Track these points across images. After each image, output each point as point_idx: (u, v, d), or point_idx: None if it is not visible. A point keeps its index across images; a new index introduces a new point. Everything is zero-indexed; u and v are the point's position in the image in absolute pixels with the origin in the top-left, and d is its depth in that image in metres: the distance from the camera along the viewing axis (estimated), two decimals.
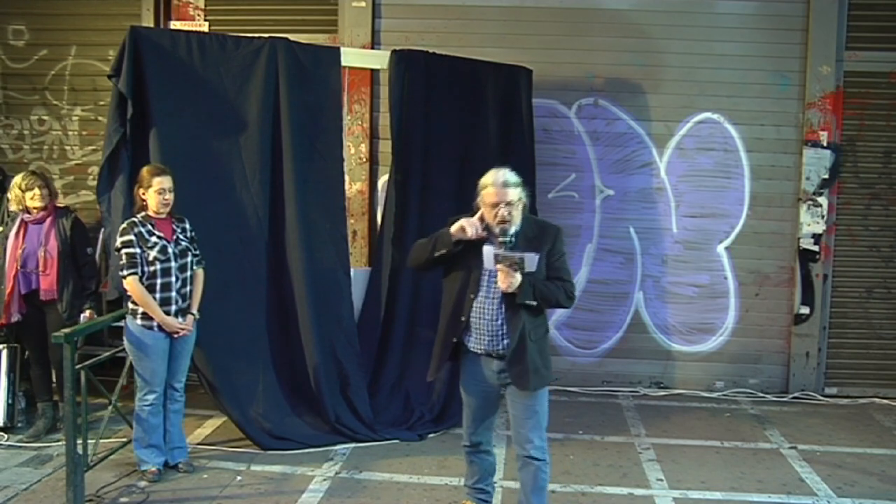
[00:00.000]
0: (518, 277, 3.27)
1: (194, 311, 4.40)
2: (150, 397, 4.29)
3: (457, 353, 3.59)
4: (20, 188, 4.84)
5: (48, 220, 4.88)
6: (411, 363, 5.48)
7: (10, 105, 6.78)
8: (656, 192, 6.49)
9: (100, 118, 6.50)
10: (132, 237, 4.20)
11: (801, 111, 6.37)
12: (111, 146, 4.62)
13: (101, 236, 5.24)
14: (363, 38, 6.38)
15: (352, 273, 5.34)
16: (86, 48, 6.63)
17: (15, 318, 4.85)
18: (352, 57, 5.45)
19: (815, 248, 6.38)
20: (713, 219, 6.48)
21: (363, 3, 6.39)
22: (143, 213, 4.29)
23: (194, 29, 6.02)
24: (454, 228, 3.38)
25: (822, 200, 6.36)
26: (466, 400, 3.66)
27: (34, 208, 4.84)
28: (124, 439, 4.66)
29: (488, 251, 3.29)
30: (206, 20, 6.48)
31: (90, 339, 5.45)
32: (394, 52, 5.44)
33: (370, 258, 6.33)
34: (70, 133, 6.75)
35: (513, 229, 3.37)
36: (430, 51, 5.61)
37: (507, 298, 3.35)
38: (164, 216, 4.31)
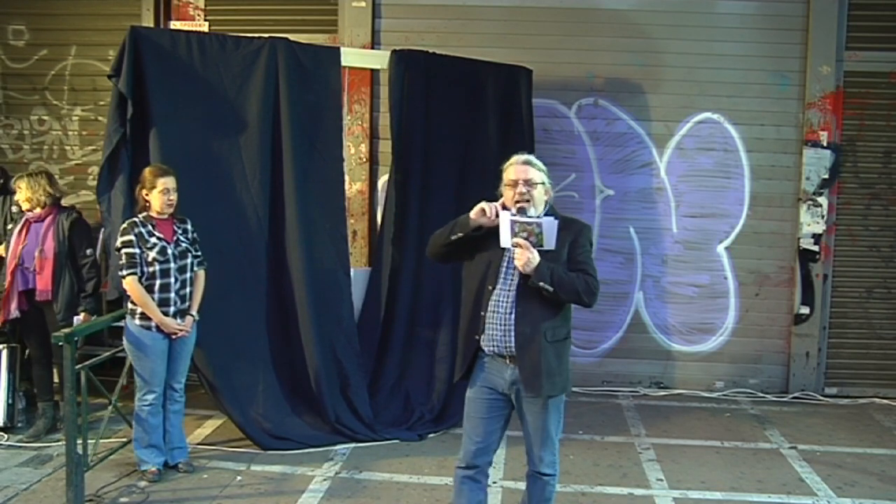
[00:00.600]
0: (536, 255, 3.05)
1: (194, 312, 4.40)
2: (150, 397, 4.29)
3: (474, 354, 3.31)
4: (19, 187, 4.88)
5: (48, 220, 4.88)
6: (411, 363, 5.48)
7: (10, 105, 6.78)
8: (656, 192, 6.49)
9: (100, 118, 6.50)
10: (132, 237, 4.20)
11: (801, 111, 6.37)
12: (111, 146, 4.62)
13: (101, 236, 5.23)
14: (363, 38, 6.38)
15: (352, 273, 5.34)
16: (86, 48, 6.63)
17: (14, 314, 4.85)
18: (352, 57, 5.45)
19: (815, 248, 6.38)
20: (713, 219, 6.48)
21: (363, 3, 6.39)
22: (144, 214, 4.29)
23: (194, 29, 6.01)
24: (474, 211, 3.19)
25: (822, 200, 6.36)
26: (471, 411, 3.30)
27: (26, 207, 4.86)
28: (124, 439, 4.65)
29: (505, 216, 3.08)
30: (206, 20, 6.48)
31: (90, 339, 5.45)
32: (394, 52, 5.44)
33: (370, 258, 6.33)
34: (70, 133, 6.76)
35: (533, 211, 3.17)
36: (430, 51, 5.61)
37: (522, 290, 3.13)
38: (166, 217, 4.31)
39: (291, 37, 5.18)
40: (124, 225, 4.26)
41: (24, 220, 4.90)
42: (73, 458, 3.92)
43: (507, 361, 3.20)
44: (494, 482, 4.36)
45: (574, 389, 6.35)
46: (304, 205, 5.07)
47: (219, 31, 5.49)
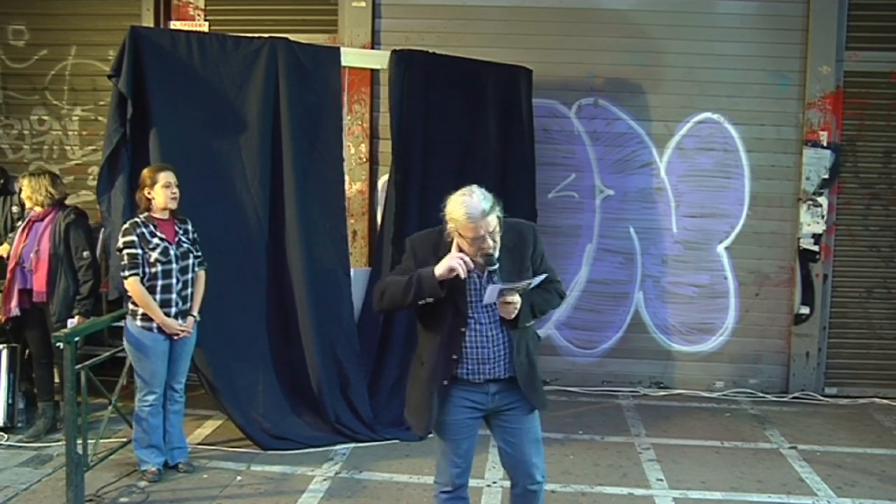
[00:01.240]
0: (518, 301, 2.93)
1: (195, 312, 4.40)
2: (150, 398, 4.28)
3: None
4: (22, 185, 4.92)
5: (47, 220, 4.87)
6: (411, 363, 5.47)
7: (10, 105, 6.79)
8: (656, 192, 6.49)
9: (100, 118, 6.50)
10: (134, 238, 4.19)
11: (801, 111, 6.37)
12: (111, 146, 4.62)
13: (100, 236, 5.23)
14: (363, 38, 6.38)
15: (352, 273, 5.34)
16: (86, 48, 6.64)
17: (14, 312, 4.85)
18: (352, 57, 5.45)
19: (815, 248, 6.38)
20: (713, 219, 6.48)
21: (363, 3, 6.39)
22: (145, 214, 4.28)
23: (194, 29, 6.02)
24: (443, 270, 2.88)
25: (822, 200, 6.36)
26: (450, 434, 3.14)
27: (28, 206, 4.90)
28: (124, 439, 4.65)
29: (493, 290, 2.89)
30: (206, 20, 6.48)
31: (90, 339, 5.44)
32: (394, 52, 5.44)
33: (370, 258, 6.33)
34: (70, 133, 6.76)
35: (496, 253, 2.95)
36: (430, 51, 5.61)
37: (507, 324, 3.02)
38: (167, 217, 4.31)
39: (291, 37, 5.18)
40: (126, 225, 4.25)
41: (27, 219, 4.92)
42: (73, 458, 3.92)
43: (493, 381, 3.06)
44: (494, 482, 4.37)
45: (574, 389, 6.39)
46: (304, 205, 5.07)
47: (219, 31, 5.50)
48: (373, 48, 6.32)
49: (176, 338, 4.30)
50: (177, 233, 4.33)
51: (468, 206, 2.87)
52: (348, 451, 4.86)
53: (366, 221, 6.48)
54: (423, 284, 2.92)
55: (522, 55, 6.09)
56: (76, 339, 4.11)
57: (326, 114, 5.19)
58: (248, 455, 4.71)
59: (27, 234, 4.86)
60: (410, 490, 4.31)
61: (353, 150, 6.39)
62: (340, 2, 6.44)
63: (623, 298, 6.53)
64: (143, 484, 4.24)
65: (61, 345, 3.94)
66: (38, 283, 4.82)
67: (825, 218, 6.37)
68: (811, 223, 6.37)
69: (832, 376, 6.51)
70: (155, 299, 4.21)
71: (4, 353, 5.05)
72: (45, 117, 6.76)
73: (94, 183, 5.19)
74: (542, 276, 3.01)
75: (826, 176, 6.36)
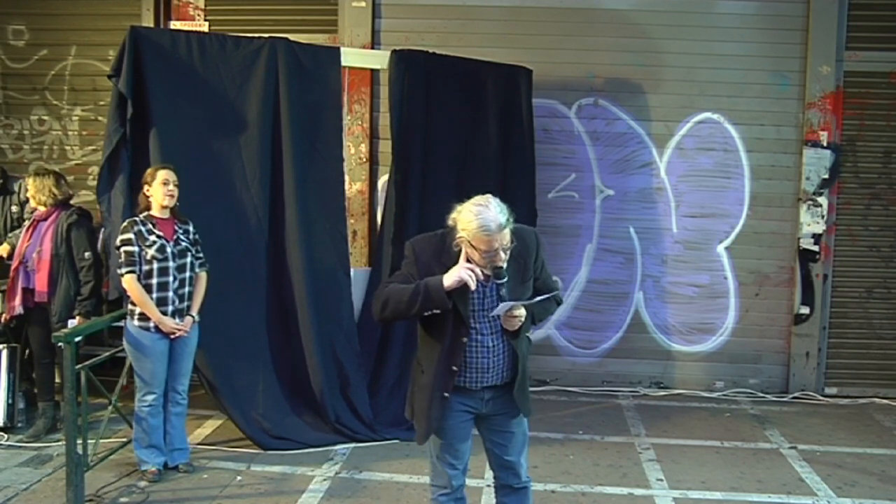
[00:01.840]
0: (524, 314, 2.91)
1: (194, 313, 4.40)
2: (150, 398, 4.28)
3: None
4: (27, 185, 4.96)
5: (50, 220, 4.88)
6: (411, 363, 5.46)
7: (10, 105, 6.79)
8: (656, 192, 6.49)
9: (100, 118, 6.50)
10: (131, 235, 4.20)
11: (801, 111, 6.37)
12: (111, 146, 4.62)
13: (101, 236, 5.23)
14: (363, 38, 6.38)
15: (352, 273, 5.34)
16: (86, 48, 6.64)
17: (18, 310, 4.86)
18: (352, 57, 5.45)
19: (815, 248, 6.38)
20: (713, 219, 6.48)
21: (363, 3, 6.39)
22: (145, 213, 4.29)
23: (194, 29, 6.02)
24: (451, 281, 2.81)
25: (822, 200, 6.37)
26: (447, 437, 3.09)
27: (32, 205, 4.93)
28: (124, 439, 4.65)
29: (504, 306, 2.85)
30: (206, 20, 6.48)
31: (90, 339, 5.45)
32: (394, 52, 5.44)
33: (370, 258, 6.33)
34: (70, 133, 6.76)
35: (505, 264, 2.87)
36: (430, 51, 5.61)
37: (508, 334, 2.99)
38: (167, 217, 4.31)
39: (291, 37, 5.18)
40: (124, 223, 4.27)
41: (32, 218, 4.94)
42: (73, 458, 3.92)
43: (490, 387, 3.06)
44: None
45: (574, 389, 6.40)
46: (304, 205, 5.07)
47: (219, 31, 5.49)
48: (373, 48, 6.33)
49: (173, 337, 4.29)
50: (175, 231, 4.33)
51: (485, 218, 2.76)
52: (348, 451, 4.85)
53: (366, 221, 6.48)
54: (432, 295, 2.83)
55: (522, 55, 6.09)
56: (77, 339, 4.11)
57: (326, 114, 5.19)
58: (248, 455, 4.71)
59: (31, 234, 4.88)
60: (410, 490, 4.31)
61: (353, 150, 6.39)
62: (340, 2, 6.44)
63: (623, 298, 6.53)
64: (143, 484, 4.24)
65: (62, 344, 3.94)
66: (40, 282, 4.82)
67: (825, 218, 6.37)
68: (811, 223, 6.37)
69: (832, 376, 6.51)
70: (151, 297, 4.21)
71: (4, 353, 5.05)
72: (45, 117, 6.76)
73: (94, 183, 5.18)
74: (552, 293, 3.01)
75: (826, 176, 6.37)
